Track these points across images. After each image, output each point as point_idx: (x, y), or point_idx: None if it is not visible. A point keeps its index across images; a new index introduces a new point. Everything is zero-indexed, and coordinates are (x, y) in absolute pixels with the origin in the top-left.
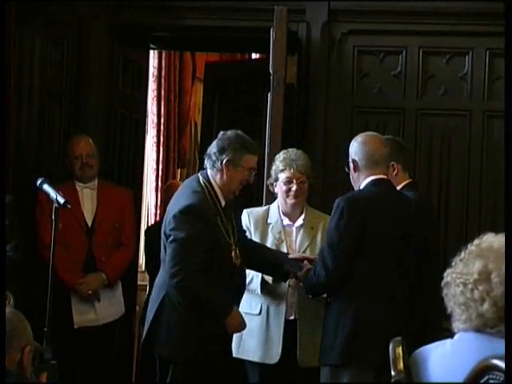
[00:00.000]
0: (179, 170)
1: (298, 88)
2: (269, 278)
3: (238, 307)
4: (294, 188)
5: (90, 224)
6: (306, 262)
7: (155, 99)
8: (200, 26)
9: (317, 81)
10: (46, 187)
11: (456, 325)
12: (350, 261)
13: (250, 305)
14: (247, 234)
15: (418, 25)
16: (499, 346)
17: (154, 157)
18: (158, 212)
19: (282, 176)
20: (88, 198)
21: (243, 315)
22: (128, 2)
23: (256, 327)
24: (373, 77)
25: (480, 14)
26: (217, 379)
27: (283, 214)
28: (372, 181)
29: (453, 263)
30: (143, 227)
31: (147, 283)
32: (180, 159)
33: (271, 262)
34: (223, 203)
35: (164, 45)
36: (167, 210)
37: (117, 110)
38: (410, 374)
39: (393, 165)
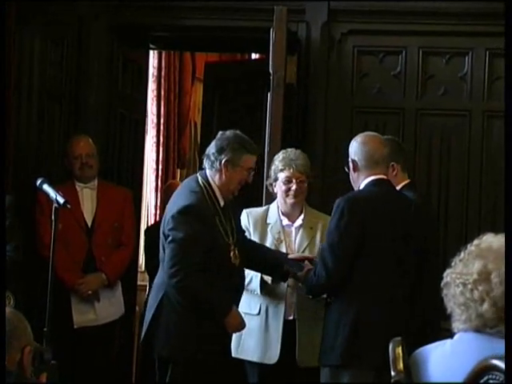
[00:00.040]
0: (179, 170)
1: (298, 88)
2: (268, 278)
3: (238, 307)
4: (293, 187)
5: (89, 224)
6: (306, 262)
7: (155, 99)
8: (200, 26)
9: (316, 81)
10: (45, 187)
11: (456, 325)
12: (350, 261)
13: (249, 305)
14: (246, 234)
15: (418, 25)
16: (499, 346)
17: (154, 157)
18: (158, 212)
19: (282, 176)
20: (88, 197)
21: (242, 315)
22: (128, 2)
23: (255, 327)
24: (372, 77)
25: (480, 14)
26: (216, 379)
27: (282, 214)
28: (372, 181)
29: (452, 263)
30: (143, 227)
31: (147, 283)
32: (180, 159)
33: (270, 261)
34: (222, 203)
35: (164, 45)
36: (166, 210)
37: (116, 110)
38: (410, 374)
39: (392, 165)
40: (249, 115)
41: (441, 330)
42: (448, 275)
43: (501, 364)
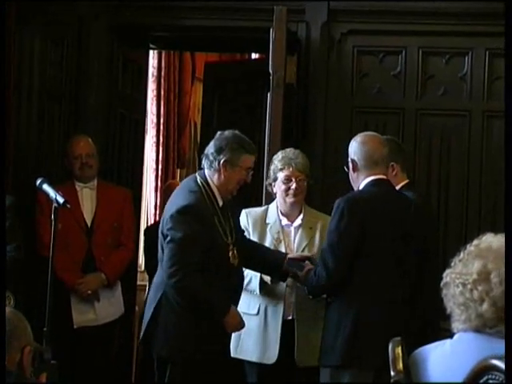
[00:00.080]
0: (179, 170)
1: (298, 88)
2: (267, 278)
3: (236, 307)
4: (293, 186)
5: (89, 224)
6: (307, 261)
7: (155, 99)
8: (200, 26)
9: (316, 81)
10: (45, 187)
11: (455, 325)
12: (350, 261)
13: (248, 305)
14: (246, 233)
15: (418, 25)
16: (498, 346)
17: (154, 157)
18: (158, 212)
19: (281, 175)
20: (87, 197)
21: (241, 315)
22: (128, 2)
23: (254, 327)
24: (372, 77)
25: (479, 14)
26: (215, 379)
27: (282, 214)
28: (372, 181)
29: (452, 263)
30: (143, 227)
31: (147, 283)
32: (179, 159)
33: (270, 261)
34: (221, 203)
35: (164, 45)
36: (165, 209)
37: (116, 109)
38: (410, 374)
39: (392, 165)
40: (249, 115)
41: (440, 329)
42: (448, 275)
43: (500, 364)
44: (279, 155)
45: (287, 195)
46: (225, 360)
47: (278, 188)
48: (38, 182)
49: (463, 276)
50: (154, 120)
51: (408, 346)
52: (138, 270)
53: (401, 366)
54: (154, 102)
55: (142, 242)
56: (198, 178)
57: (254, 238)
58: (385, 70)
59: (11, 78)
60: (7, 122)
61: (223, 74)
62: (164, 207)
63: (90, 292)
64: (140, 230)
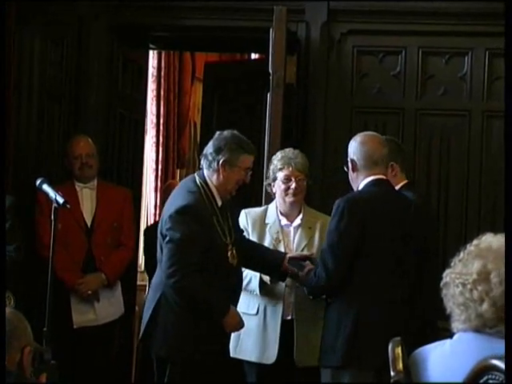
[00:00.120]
0: (178, 170)
1: (298, 88)
2: (267, 278)
3: (236, 307)
4: (292, 186)
5: (89, 224)
6: (307, 262)
7: (155, 99)
8: (200, 26)
9: (316, 81)
10: (45, 187)
11: (455, 325)
12: (350, 261)
13: (248, 305)
14: (245, 234)
15: (418, 25)
16: (498, 346)
17: (154, 157)
18: (158, 212)
19: (281, 175)
20: (87, 197)
21: (241, 315)
22: (128, 2)
23: (253, 327)
24: (372, 77)
25: (479, 14)
26: (214, 379)
27: (281, 213)
28: (371, 181)
29: (452, 263)
30: (142, 227)
31: (146, 283)
32: (179, 159)
33: (269, 261)
34: (219, 203)
35: (164, 45)
36: (164, 210)
37: (116, 110)
38: (410, 374)
39: (392, 165)
40: (248, 115)
41: (438, 329)
42: (447, 275)
43: (500, 364)
44: (278, 155)
45: (287, 195)
46: (224, 360)
47: (278, 188)
48: (38, 182)
49: (463, 276)
50: (154, 120)
51: (408, 346)
52: (138, 270)
53: (401, 366)
54: (154, 102)
55: (141, 242)
56: (197, 178)
57: (253, 237)
58: (385, 70)
59: (11, 78)
60: (7, 122)
61: (223, 74)
62: (163, 207)
63: (89, 292)
64: (140, 230)
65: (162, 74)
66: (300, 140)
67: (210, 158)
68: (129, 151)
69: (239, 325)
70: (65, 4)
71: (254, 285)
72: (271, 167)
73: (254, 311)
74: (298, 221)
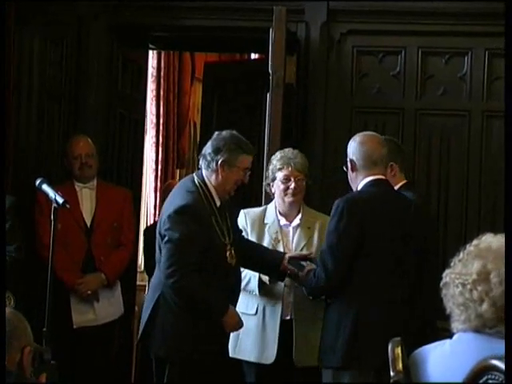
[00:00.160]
0: (178, 170)
1: (297, 88)
2: (266, 279)
3: (235, 307)
4: (292, 186)
5: (88, 224)
6: (308, 262)
7: (154, 99)
8: (199, 26)
9: (316, 81)
10: (44, 187)
11: (455, 325)
12: (349, 262)
13: (247, 305)
14: (244, 234)
15: (417, 25)
16: (498, 346)
17: (153, 157)
18: (157, 212)
19: (280, 175)
20: (87, 197)
21: (240, 315)
22: (127, 2)
23: (252, 327)
24: (372, 77)
25: (479, 14)
26: (213, 379)
27: (280, 213)
28: (370, 181)
29: (452, 263)
30: (142, 227)
31: (146, 283)
32: (179, 159)
33: (268, 261)
34: (218, 203)
35: (163, 45)
36: (162, 210)
37: (116, 110)
38: (409, 374)
39: (391, 165)
40: (248, 115)
41: (437, 329)
42: (447, 275)
43: (500, 364)
44: (278, 155)
45: (286, 195)
46: (223, 360)
47: (277, 188)
48: (38, 182)
49: (463, 276)
50: (154, 120)
51: (408, 346)
52: (138, 270)
53: (400, 366)
54: (154, 102)
55: (141, 242)
56: (196, 178)
57: (252, 238)
58: (384, 70)
59: (11, 78)
60: (7, 122)
61: (223, 74)
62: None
63: (89, 292)
64: (140, 230)
65: (162, 74)
66: (300, 140)
67: (209, 158)
68: (128, 151)
69: (238, 325)
70: (64, 4)
71: (253, 285)
72: (270, 167)
73: (253, 311)
74: (296, 221)
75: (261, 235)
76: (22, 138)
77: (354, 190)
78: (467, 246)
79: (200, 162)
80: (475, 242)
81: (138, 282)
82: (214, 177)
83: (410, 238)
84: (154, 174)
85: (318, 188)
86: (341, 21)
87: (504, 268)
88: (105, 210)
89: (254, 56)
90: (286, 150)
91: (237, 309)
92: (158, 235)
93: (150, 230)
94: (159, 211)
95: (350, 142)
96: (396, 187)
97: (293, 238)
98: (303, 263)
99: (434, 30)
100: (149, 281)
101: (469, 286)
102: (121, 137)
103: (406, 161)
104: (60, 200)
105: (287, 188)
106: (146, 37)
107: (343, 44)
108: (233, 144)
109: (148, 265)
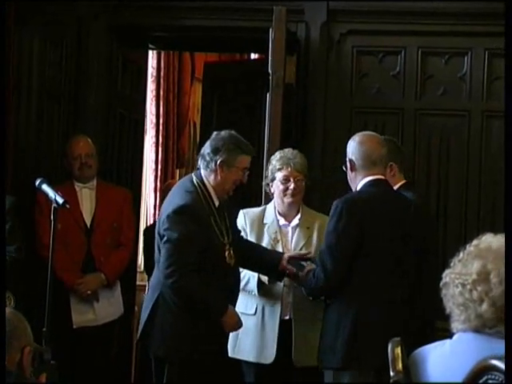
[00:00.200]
0: (178, 170)
1: (297, 88)
2: (265, 279)
3: (234, 307)
4: (291, 186)
5: (88, 224)
6: (308, 262)
7: (154, 99)
8: (199, 26)
9: (316, 81)
10: (44, 187)
11: (455, 325)
12: (348, 262)
13: (246, 305)
14: (243, 234)
15: (417, 25)
16: (498, 346)
17: (153, 157)
18: (157, 212)
19: (279, 175)
20: (87, 198)
21: (239, 314)
22: (127, 2)
23: (251, 327)
24: (372, 77)
25: (478, 14)
26: (213, 379)
27: (279, 214)
28: (370, 181)
29: (451, 264)
30: (142, 227)
31: (146, 283)
32: (179, 159)
33: (267, 261)
34: (217, 203)
35: (163, 45)
36: (161, 210)
37: (116, 110)
38: (409, 374)
39: (391, 165)
40: (248, 115)
41: (437, 329)
42: (447, 275)
43: (500, 364)
44: (277, 155)
45: (285, 195)
46: (222, 360)
47: (276, 188)
48: (38, 182)
49: (463, 276)
50: (154, 120)
51: (407, 346)
52: (138, 270)
53: (400, 366)
54: (154, 103)
55: (141, 242)
56: (194, 179)
57: (251, 238)
58: (384, 70)
59: (10, 78)
60: (7, 122)
61: (223, 74)
62: None
63: (89, 292)
64: (139, 230)
65: (162, 74)
66: (299, 140)
67: (208, 158)
68: (128, 151)
69: (237, 324)
70: (64, 4)
71: (252, 285)
72: (270, 167)
73: (252, 311)
74: (296, 221)
75: (260, 235)
76: (21, 138)
77: (354, 189)
78: (467, 246)
79: (199, 162)
80: (475, 242)
81: (137, 282)
82: (212, 177)
83: (409, 238)
84: (153, 174)
85: (318, 188)
86: (341, 21)
87: (504, 268)
88: (105, 210)
89: (253, 56)
90: (286, 150)
91: (236, 309)
92: (157, 235)
93: (150, 230)
94: (159, 211)
95: (350, 142)
96: (395, 187)
97: (292, 238)
98: (303, 263)
99: (433, 30)
100: (148, 281)
101: (469, 286)
102: (121, 137)
103: (405, 161)
104: (60, 200)
105: (286, 188)
106: (146, 37)
107: (343, 44)
108: (231, 144)
109: (148, 265)
